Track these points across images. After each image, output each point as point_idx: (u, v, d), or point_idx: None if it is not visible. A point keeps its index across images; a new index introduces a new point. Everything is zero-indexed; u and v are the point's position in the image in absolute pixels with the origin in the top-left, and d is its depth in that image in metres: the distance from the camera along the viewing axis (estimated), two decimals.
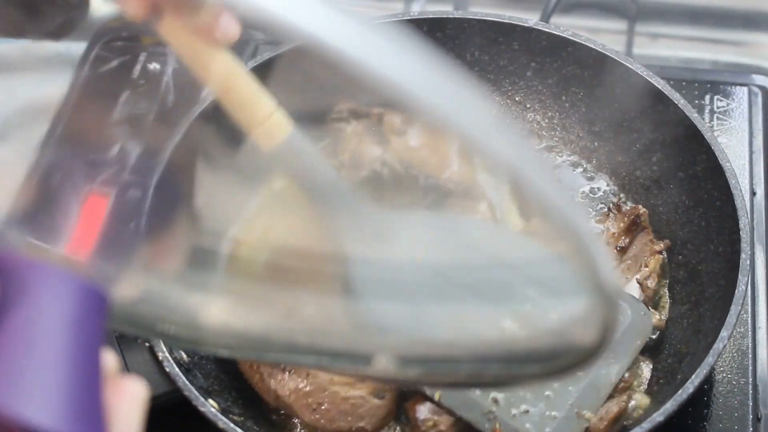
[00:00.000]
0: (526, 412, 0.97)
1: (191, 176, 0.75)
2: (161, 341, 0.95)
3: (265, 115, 0.76)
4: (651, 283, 1.08)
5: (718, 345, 0.92)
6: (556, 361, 0.65)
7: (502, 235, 0.97)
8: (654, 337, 1.06)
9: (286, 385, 1.01)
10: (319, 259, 0.76)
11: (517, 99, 1.23)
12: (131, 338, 0.97)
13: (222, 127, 0.78)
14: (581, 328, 0.62)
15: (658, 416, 0.90)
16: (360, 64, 0.48)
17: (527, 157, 0.52)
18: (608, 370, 1.00)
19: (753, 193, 1.18)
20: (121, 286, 0.61)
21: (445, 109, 0.49)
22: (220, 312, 0.73)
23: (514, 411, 0.97)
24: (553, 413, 0.96)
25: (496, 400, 0.97)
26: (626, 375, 1.00)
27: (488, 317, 0.74)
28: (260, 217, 0.85)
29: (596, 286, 0.56)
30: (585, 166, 1.20)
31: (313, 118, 1.08)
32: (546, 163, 0.53)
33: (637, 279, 1.07)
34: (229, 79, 0.74)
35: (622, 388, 1.00)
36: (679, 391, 0.91)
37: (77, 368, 0.50)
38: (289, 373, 1.01)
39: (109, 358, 0.53)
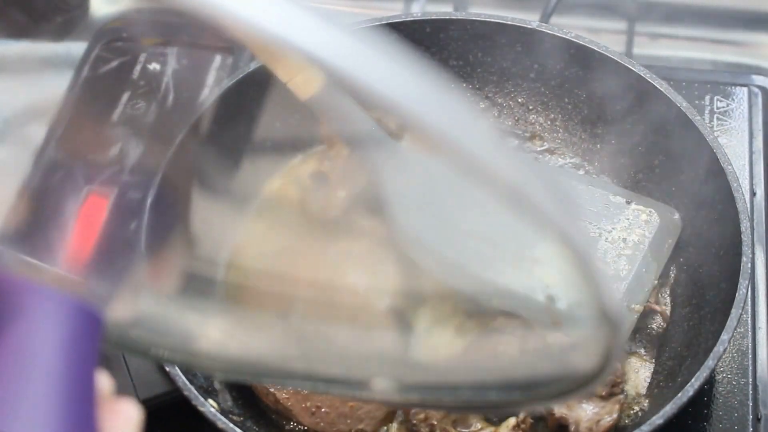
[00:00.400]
0: None
1: (188, 196, 0.75)
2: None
3: (300, 67, 0.76)
4: None
5: (719, 348, 0.92)
6: (553, 387, 0.65)
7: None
8: (655, 338, 1.06)
9: (284, 389, 1.01)
10: (316, 284, 0.75)
11: (519, 101, 1.23)
12: None
13: (218, 148, 0.78)
14: (582, 354, 0.62)
15: (658, 419, 0.90)
16: (350, 76, 0.46)
17: (529, 174, 0.51)
18: (648, 267, 1.05)
19: (753, 194, 1.18)
20: (115, 307, 0.60)
21: (441, 127, 0.47)
22: (214, 337, 0.73)
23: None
24: None
25: (551, 298, 0.97)
26: (618, 370, 1.00)
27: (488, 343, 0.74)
28: (256, 225, 0.84)
29: (600, 312, 0.55)
30: (587, 168, 1.20)
31: (308, 125, 1.08)
32: (551, 180, 0.51)
33: None
34: None
35: (614, 391, 1.00)
36: (679, 395, 0.91)
37: (71, 389, 0.49)
38: None
39: (104, 380, 0.53)
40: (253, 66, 1.05)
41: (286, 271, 0.77)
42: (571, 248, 0.51)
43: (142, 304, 0.68)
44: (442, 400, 0.72)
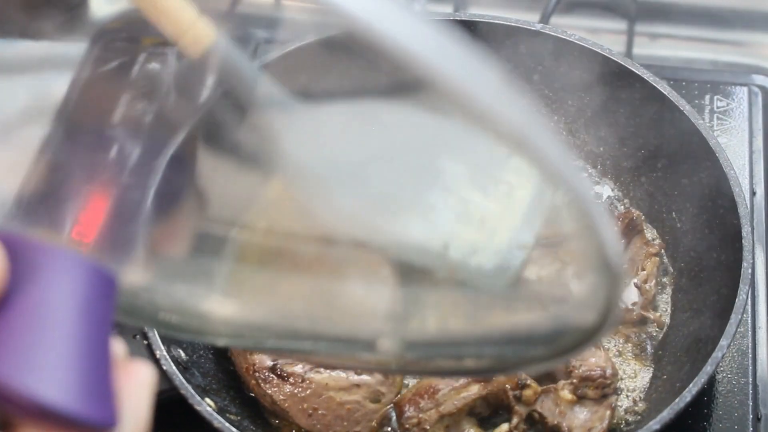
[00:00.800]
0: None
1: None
2: (157, 332, 0.96)
3: (189, 22, 0.75)
4: (649, 286, 1.08)
5: (717, 354, 0.92)
6: (556, 343, 0.65)
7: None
8: (655, 342, 1.06)
9: (281, 391, 1.01)
10: (324, 244, 0.75)
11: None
12: (128, 335, 0.97)
13: (226, 108, 0.77)
14: (582, 308, 0.62)
15: (655, 424, 0.90)
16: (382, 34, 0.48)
17: (539, 128, 0.52)
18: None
19: (753, 193, 1.18)
20: (129, 272, 0.61)
21: (449, 72, 0.49)
22: (222, 300, 0.73)
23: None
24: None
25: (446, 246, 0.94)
26: (608, 372, 1.00)
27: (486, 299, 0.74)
28: (269, 205, 0.84)
29: (603, 264, 0.55)
30: (590, 171, 1.20)
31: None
32: (556, 136, 0.52)
33: (635, 283, 1.07)
34: None
35: (606, 392, 1.00)
36: (677, 400, 0.91)
37: (88, 349, 0.50)
38: (284, 378, 1.01)
39: (118, 344, 0.53)
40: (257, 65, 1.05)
41: (291, 228, 0.77)
42: (576, 197, 0.52)
43: (154, 268, 0.68)
44: (446, 358, 0.72)
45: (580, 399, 1.00)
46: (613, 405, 1.00)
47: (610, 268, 0.55)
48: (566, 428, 0.99)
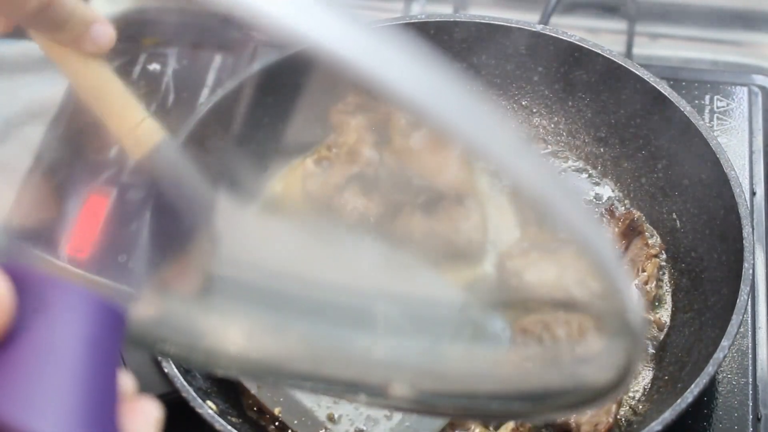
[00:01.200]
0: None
1: (214, 198, 0.75)
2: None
3: (134, 122, 0.74)
4: (650, 287, 1.08)
5: (719, 355, 0.92)
6: (566, 398, 0.64)
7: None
8: (656, 343, 1.06)
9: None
10: (332, 290, 0.75)
11: (523, 103, 1.23)
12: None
13: (247, 152, 0.77)
14: (598, 369, 0.61)
15: (656, 425, 0.90)
16: (374, 75, 0.46)
17: (555, 184, 0.51)
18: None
19: (753, 193, 1.18)
20: (138, 306, 0.60)
21: (476, 135, 0.48)
22: (226, 337, 0.72)
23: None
24: None
25: (332, 418, 0.99)
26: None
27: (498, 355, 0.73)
28: (264, 224, 0.84)
29: (623, 326, 0.54)
30: (590, 172, 1.20)
31: (319, 115, 1.08)
32: (570, 190, 0.51)
33: (636, 284, 1.07)
34: (99, 87, 0.72)
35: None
36: (678, 401, 0.90)
37: (94, 386, 0.49)
38: None
39: (126, 378, 0.53)
40: (257, 67, 1.05)
41: (298, 271, 0.76)
42: (597, 257, 0.51)
43: (164, 303, 0.68)
44: (454, 407, 0.72)
45: None
46: (619, 400, 1.00)
47: (632, 334, 0.55)
48: (574, 425, 0.98)
